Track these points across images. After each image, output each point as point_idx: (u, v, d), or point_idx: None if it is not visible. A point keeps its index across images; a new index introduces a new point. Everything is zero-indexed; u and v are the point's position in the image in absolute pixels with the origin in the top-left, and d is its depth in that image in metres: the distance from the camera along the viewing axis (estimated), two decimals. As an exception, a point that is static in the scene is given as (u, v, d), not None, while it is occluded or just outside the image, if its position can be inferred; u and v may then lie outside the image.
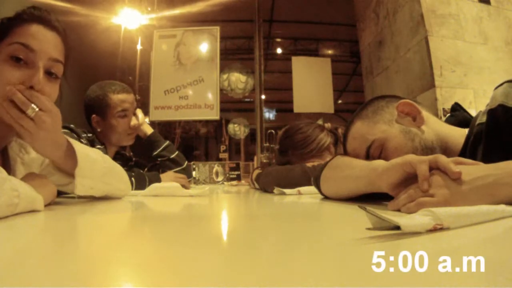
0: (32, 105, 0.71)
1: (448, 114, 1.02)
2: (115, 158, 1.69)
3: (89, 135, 1.55)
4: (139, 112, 1.73)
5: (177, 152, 1.83)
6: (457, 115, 0.98)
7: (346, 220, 0.66)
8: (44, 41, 0.79)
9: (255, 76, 4.59)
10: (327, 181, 0.94)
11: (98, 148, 1.53)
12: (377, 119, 0.89)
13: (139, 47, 5.31)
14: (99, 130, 1.63)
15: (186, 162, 1.86)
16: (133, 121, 1.70)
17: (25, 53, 0.75)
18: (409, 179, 0.63)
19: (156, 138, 1.81)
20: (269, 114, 8.13)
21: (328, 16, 6.45)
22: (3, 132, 0.82)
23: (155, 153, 1.79)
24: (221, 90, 4.37)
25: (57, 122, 0.77)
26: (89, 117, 1.64)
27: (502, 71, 2.73)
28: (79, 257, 0.35)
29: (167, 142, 1.83)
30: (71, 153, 0.83)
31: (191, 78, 3.74)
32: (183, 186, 1.43)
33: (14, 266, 0.30)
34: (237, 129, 9.11)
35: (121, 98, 1.65)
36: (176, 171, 1.75)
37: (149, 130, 1.81)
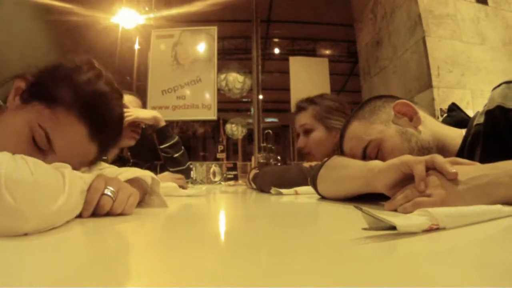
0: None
1: (445, 114, 1.02)
2: (114, 160, 1.69)
3: None
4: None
5: (182, 151, 1.84)
6: (454, 116, 0.98)
7: (342, 220, 0.66)
8: None
9: (252, 76, 4.59)
10: (324, 181, 0.94)
11: None
12: (374, 119, 0.89)
13: (136, 47, 5.30)
14: None
15: (188, 163, 1.86)
16: (140, 114, 1.72)
17: None
18: (406, 179, 0.63)
19: (167, 133, 1.83)
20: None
21: (325, 16, 6.45)
22: None
23: (161, 146, 1.81)
24: (218, 90, 4.37)
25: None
26: None
27: (499, 72, 2.73)
28: (76, 257, 0.35)
29: (176, 139, 1.84)
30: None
31: (189, 78, 3.74)
32: (181, 186, 1.43)
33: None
34: (235, 129, 9.11)
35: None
36: (176, 171, 1.75)
37: (162, 122, 1.84)
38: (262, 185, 1.46)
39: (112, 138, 0.71)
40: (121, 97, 0.78)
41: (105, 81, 0.74)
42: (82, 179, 0.57)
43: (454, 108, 1.01)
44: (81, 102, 0.69)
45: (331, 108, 1.58)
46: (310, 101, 1.62)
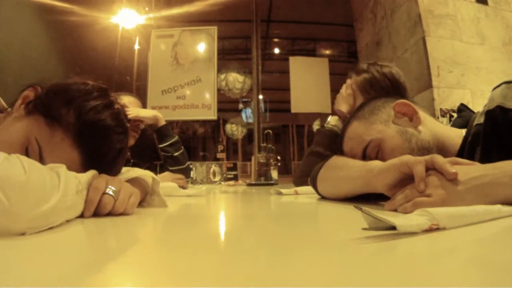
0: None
1: (455, 116, 1.02)
2: None
3: None
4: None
5: (182, 151, 1.85)
6: (464, 116, 0.98)
7: (342, 220, 0.66)
8: None
9: (252, 76, 4.59)
10: (324, 181, 0.94)
11: None
12: (374, 119, 0.89)
13: (136, 47, 5.30)
14: None
15: (188, 163, 1.87)
16: (140, 113, 1.72)
17: None
18: (406, 179, 0.63)
19: (167, 132, 1.83)
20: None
21: (325, 16, 6.46)
22: None
23: (161, 145, 1.81)
24: (218, 90, 4.37)
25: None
26: None
27: (499, 72, 2.74)
28: (76, 256, 0.35)
29: (176, 138, 1.84)
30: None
31: (189, 78, 3.74)
32: (181, 186, 1.43)
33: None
34: (235, 129, 9.12)
35: (121, 96, 1.69)
36: (175, 170, 1.75)
37: (162, 121, 1.84)
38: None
39: (107, 172, 0.67)
40: (125, 133, 0.74)
41: (112, 113, 0.71)
42: (77, 179, 0.56)
43: (463, 108, 1.01)
44: (80, 129, 0.66)
45: (377, 82, 1.44)
46: (367, 67, 1.51)
